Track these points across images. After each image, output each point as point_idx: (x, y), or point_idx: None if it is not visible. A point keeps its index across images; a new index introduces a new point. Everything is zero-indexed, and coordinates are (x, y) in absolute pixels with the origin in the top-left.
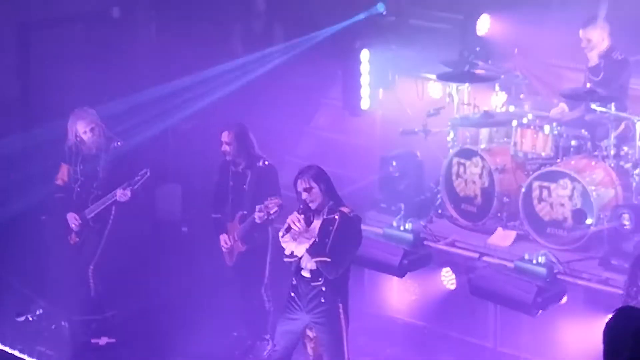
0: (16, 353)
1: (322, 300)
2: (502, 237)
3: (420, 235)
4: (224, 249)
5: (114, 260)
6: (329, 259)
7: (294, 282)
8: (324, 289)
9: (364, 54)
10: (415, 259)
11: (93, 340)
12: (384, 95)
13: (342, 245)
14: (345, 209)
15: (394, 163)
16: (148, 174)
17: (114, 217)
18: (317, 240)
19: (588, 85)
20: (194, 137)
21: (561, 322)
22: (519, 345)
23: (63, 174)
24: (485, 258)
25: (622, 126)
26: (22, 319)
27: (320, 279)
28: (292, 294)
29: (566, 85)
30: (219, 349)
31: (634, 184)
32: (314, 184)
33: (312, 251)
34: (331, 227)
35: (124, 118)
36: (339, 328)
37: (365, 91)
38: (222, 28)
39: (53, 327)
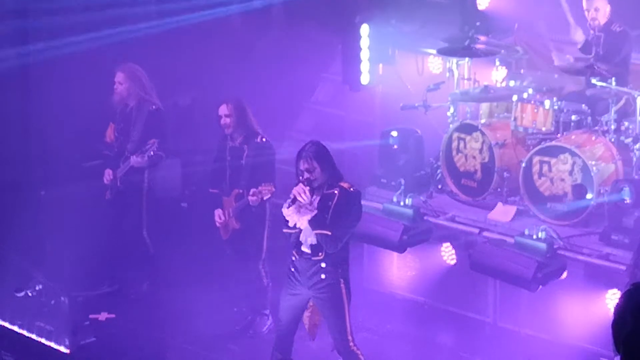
0: (15, 328)
1: (323, 277)
2: (502, 213)
3: (420, 211)
4: (217, 224)
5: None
6: (329, 233)
7: (294, 258)
8: (323, 265)
9: (364, 29)
10: (415, 234)
11: (92, 316)
12: (384, 71)
13: (341, 220)
14: (345, 184)
15: (394, 137)
16: (156, 143)
17: (148, 181)
18: (318, 213)
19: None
20: (193, 113)
21: (561, 298)
22: (519, 320)
23: (110, 132)
24: (485, 233)
25: (623, 101)
26: (22, 294)
27: (320, 253)
28: (292, 269)
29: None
30: (219, 324)
31: (635, 159)
32: (315, 164)
33: (314, 224)
34: (330, 202)
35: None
36: (341, 304)
37: (365, 66)
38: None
39: (52, 302)
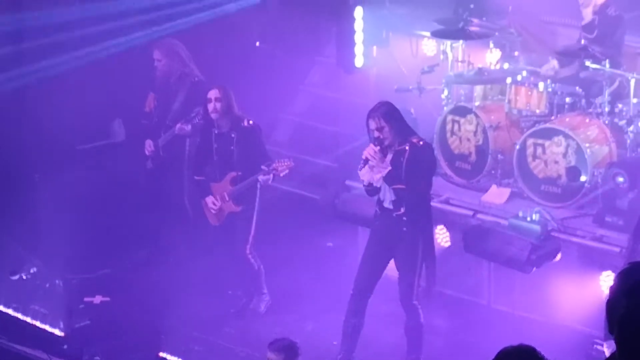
0: (10, 311)
1: (405, 229)
2: (497, 195)
3: None
4: (212, 211)
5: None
6: (404, 186)
7: (378, 212)
8: (405, 218)
9: (358, 12)
10: None
11: (87, 299)
12: (378, 53)
13: (415, 173)
14: (414, 139)
15: None
16: (201, 112)
17: (189, 149)
18: (391, 169)
19: (582, 42)
20: None
21: (555, 280)
22: (513, 302)
23: (150, 102)
24: (479, 215)
25: (617, 83)
26: (16, 277)
27: (401, 208)
28: (377, 223)
29: (560, 42)
30: (214, 307)
31: (628, 141)
32: (384, 123)
33: (389, 180)
34: (402, 159)
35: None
36: (415, 259)
37: (359, 49)
38: None
39: (47, 285)
